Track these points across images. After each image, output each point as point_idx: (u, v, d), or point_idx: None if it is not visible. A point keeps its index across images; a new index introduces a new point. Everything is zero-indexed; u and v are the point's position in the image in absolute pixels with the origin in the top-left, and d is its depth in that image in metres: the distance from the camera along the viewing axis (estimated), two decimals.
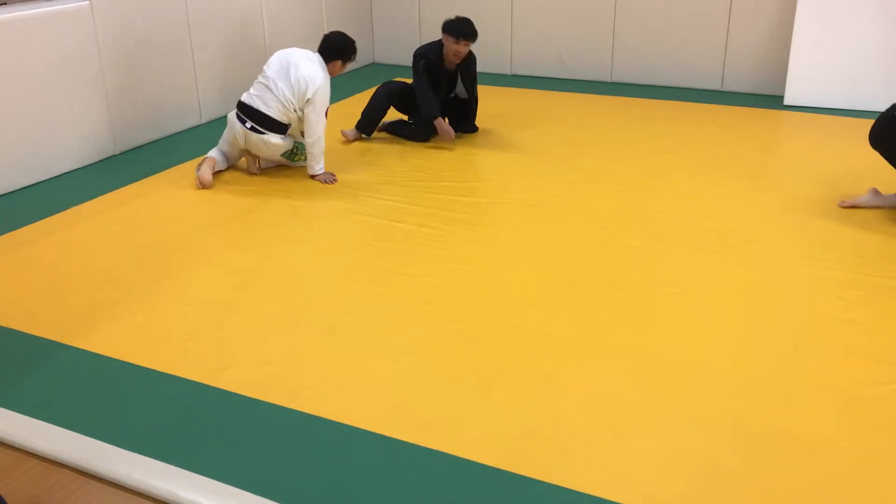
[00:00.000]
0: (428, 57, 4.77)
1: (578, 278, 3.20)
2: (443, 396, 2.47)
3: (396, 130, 5.06)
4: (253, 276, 3.26)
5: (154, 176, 4.40)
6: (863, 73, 5.44)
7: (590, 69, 6.45)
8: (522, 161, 4.58)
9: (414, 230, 3.65)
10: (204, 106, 5.33)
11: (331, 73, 4.28)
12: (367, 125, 4.96)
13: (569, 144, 4.88)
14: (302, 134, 4.34)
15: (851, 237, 3.53)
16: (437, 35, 4.85)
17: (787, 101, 5.65)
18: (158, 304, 3.05)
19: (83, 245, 3.58)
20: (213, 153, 4.37)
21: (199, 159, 4.48)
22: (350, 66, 4.71)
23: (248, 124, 4.16)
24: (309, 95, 4.11)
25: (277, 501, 2.05)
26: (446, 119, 4.84)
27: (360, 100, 5.30)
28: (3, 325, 2.93)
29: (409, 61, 5.00)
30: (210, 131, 5.11)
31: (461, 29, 4.65)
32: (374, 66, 7.18)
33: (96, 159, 4.63)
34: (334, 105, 4.89)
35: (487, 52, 6.63)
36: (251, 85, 4.31)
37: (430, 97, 4.77)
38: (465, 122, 5.04)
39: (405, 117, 5.08)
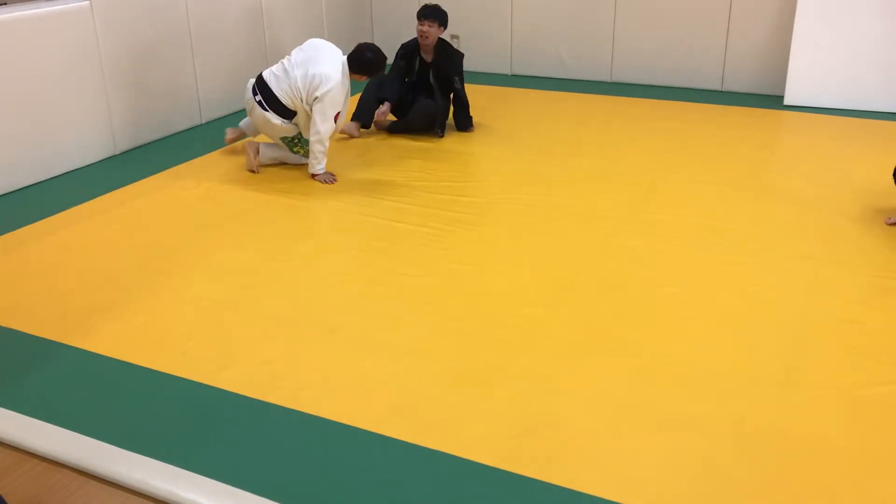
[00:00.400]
0: (406, 45, 5.03)
1: (578, 278, 3.20)
2: (443, 396, 2.47)
3: (396, 129, 5.08)
4: (253, 276, 3.26)
5: (154, 176, 4.39)
6: (863, 72, 5.45)
7: (590, 69, 6.44)
8: (522, 161, 4.58)
9: (414, 230, 3.65)
10: (204, 106, 5.33)
11: (352, 79, 4.32)
12: (362, 115, 5.06)
13: (569, 144, 4.88)
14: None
15: (851, 237, 3.53)
16: None
17: (787, 101, 5.65)
18: (158, 304, 3.05)
19: (83, 245, 3.58)
20: (244, 125, 4.71)
21: (198, 159, 4.49)
22: None
23: (258, 97, 4.25)
24: (318, 94, 4.12)
25: (277, 501, 2.05)
26: (388, 105, 5.01)
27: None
28: (3, 325, 2.92)
29: None
30: (210, 131, 5.11)
31: (421, 10, 4.90)
32: None
33: (96, 159, 4.63)
34: None
35: (487, 52, 6.66)
36: (251, 85, 4.34)
37: (390, 81, 5.00)
38: (465, 119, 5.11)
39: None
